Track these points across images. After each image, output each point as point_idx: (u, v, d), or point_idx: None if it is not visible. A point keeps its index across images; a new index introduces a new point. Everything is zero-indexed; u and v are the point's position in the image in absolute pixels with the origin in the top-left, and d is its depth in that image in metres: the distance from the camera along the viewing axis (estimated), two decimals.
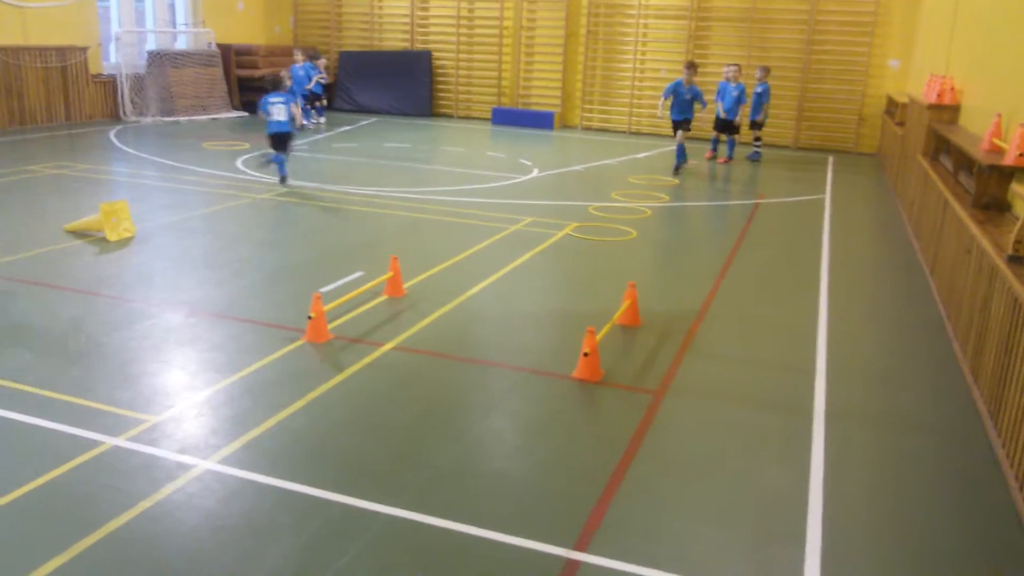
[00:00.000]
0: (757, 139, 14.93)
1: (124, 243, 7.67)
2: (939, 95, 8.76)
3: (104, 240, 7.66)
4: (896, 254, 8.63)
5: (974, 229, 5.52)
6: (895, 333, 6.36)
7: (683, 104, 13.13)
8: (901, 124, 12.16)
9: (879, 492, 3.98)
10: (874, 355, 5.85)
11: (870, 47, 16.18)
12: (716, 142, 14.44)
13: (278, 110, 10.42)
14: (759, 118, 14.68)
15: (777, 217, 10.18)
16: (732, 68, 14.20)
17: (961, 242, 6.07)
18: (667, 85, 13.48)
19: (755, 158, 14.86)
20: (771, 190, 11.95)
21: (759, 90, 14.41)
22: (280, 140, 10.57)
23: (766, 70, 14.64)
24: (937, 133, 8.55)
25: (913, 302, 7.01)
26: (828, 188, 12.37)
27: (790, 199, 11.34)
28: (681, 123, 13.20)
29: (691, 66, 13.01)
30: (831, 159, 15.58)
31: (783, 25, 16.81)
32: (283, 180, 10.73)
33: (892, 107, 14.03)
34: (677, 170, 13.15)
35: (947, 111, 8.70)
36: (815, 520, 3.67)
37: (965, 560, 3.48)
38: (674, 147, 13.47)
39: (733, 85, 14.00)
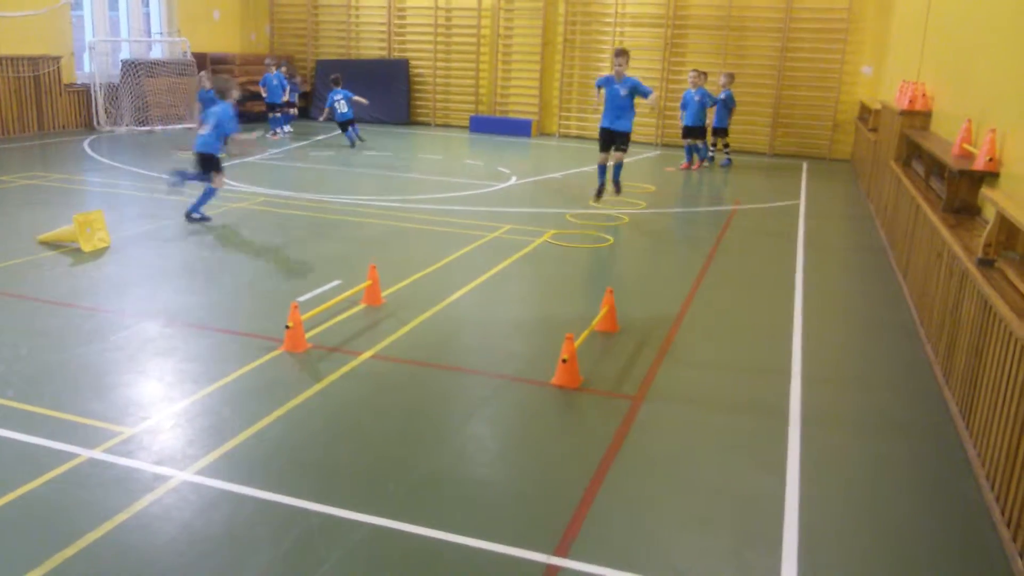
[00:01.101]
0: (726, 145, 15.10)
1: (99, 253, 7.60)
2: (911, 101, 8.88)
3: (78, 251, 7.59)
4: (869, 258, 8.74)
5: (945, 233, 5.61)
6: (869, 336, 6.43)
7: (619, 105, 9.90)
8: (874, 130, 12.32)
9: (854, 493, 4.03)
10: (848, 358, 5.92)
11: (843, 54, 16.40)
12: (690, 151, 14.54)
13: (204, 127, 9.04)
14: (726, 125, 14.83)
15: (753, 223, 10.27)
16: (693, 73, 14.34)
17: (933, 246, 6.16)
18: (597, 80, 10.65)
19: (726, 164, 15.02)
20: (747, 196, 12.06)
21: (722, 96, 14.54)
22: (203, 162, 9.00)
23: (730, 76, 14.79)
24: (909, 139, 8.68)
25: (886, 306, 7.10)
26: (803, 194, 12.50)
27: (765, 205, 11.45)
28: (616, 136, 10.00)
29: (621, 53, 9.79)
30: (805, 165, 15.75)
31: (758, 33, 17.00)
32: (192, 215, 8.94)
33: (865, 113, 14.21)
34: (598, 194, 10.52)
35: (919, 117, 8.82)
36: (791, 523, 3.71)
37: (940, 558, 3.53)
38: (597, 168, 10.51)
39: (694, 91, 14.12)
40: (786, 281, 7.62)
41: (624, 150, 10.09)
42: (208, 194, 9.06)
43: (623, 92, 9.77)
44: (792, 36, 16.68)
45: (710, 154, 14.95)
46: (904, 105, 8.99)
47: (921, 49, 10.07)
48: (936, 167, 7.35)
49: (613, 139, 10.05)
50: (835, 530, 3.70)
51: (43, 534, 3.38)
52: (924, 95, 8.87)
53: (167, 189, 9.42)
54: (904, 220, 7.82)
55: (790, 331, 6.26)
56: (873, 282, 7.90)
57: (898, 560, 3.50)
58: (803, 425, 4.68)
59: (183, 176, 9.13)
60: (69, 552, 3.27)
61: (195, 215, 8.98)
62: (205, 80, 14.24)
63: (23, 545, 3.31)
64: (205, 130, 9.04)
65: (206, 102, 12.87)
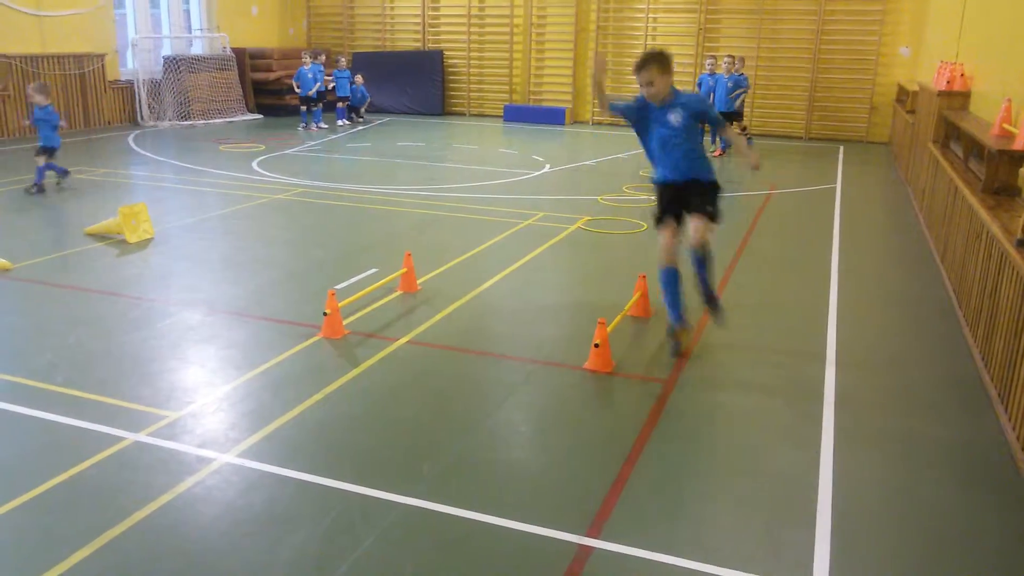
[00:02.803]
0: (743, 128, 15.09)
1: (143, 244, 7.80)
2: (949, 82, 8.74)
3: (124, 242, 7.79)
4: (907, 241, 8.63)
5: (984, 214, 5.54)
6: (905, 318, 6.37)
7: (675, 145, 5.56)
8: (912, 112, 12.12)
9: (889, 476, 4.01)
10: (885, 340, 5.87)
11: (880, 36, 16.13)
12: (714, 133, 14.40)
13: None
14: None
15: (788, 207, 10.19)
16: (729, 59, 14.21)
17: (971, 228, 6.07)
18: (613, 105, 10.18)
19: (750, 144, 15.05)
20: (782, 180, 11.94)
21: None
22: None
23: (741, 60, 14.64)
24: (947, 120, 8.54)
25: (923, 288, 7.02)
26: (839, 177, 12.35)
27: (801, 189, 11.34)
28: (690, 192, 5.54)
29: (646, 64, 5.24)
30: (842, 149, 15.54)
31: (793, 16, 16.78)
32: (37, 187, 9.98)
33: (903, 95, 13.98)
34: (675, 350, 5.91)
35: (957, 98, 8.68)
36: (825, 504, 3.71)
37: (974, 542, 3.51)
38: None
39: (727, 76, 14.00)
40: (822, 264, 7.57)
41: (712, 215, 5.38)
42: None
43: (675, 120, 5.28)
44: (827, 19, 16.44)
45: (748, 138, 14.93)
46: (942, 86, 8.85)
47: (960, 29, 9.89)
48: (975, 148, 7.23)
49: (684, 198, 5.43)
50: (869, 511, 3.69)
51: (93, 513, 3.52)
52: (963, 75, 8.72)
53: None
54: (942, 202, 7.71)
55: (825, 314, 6.23)
56: (910, 264, 7.81)
57: (933, 542, 3.50)
58: (838, 407, 4.67)
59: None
60: (117, 531, 3.40)
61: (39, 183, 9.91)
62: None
63: (74, 524, 3.45)
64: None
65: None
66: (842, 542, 3.44)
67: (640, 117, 5.34)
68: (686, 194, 5.35)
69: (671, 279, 5.35)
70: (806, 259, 7.85)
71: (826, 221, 9.38)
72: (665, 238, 5.39)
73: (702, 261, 5.34)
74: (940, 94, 8.82)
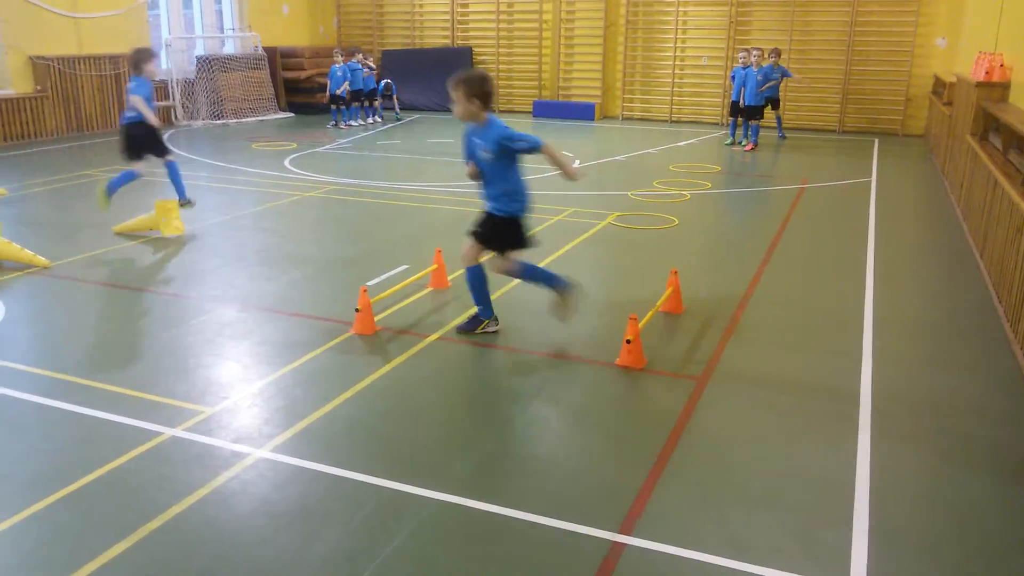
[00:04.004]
0: (779, 117, 15.18)
1: (179, 242, 7.89)
2: (988, 73, 8.57)
3: (159, 240, 7.90)
4: (944, 236, 8.48)
5: None
6: (944, 315, 6.26)
7: (490, 171, 5.48)
8: (949, 104, 11.90)
9: (928, 476, 3.95)
10: (923, 338, 5.77)
11: (916, 26, 15.85)
12: (756, 129, 14.24)
13: None
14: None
15: (822, 201, 10.06)
16: (758, 52, 14.06)
17: (1012, 221, 5.95)
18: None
19: (781, 137, 15.08)
20: (816, 174, 11.79)
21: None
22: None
23: (775, 52, 14.50)
24: (986, 112, 8.38)
25: (962, 284, 6.89)
26: (874, 171, 12.17)
27: (835, 183, 11.19)
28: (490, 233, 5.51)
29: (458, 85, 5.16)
30: (877, 142, 15.31)
31: (825, 7, 16.54)
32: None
33: (939, 87, 13.74)
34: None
35: (996, 89, 8.51)
36: (862, 503, 3.66)
37: (1016, 543, 3.44)
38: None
39: (756, 69, 13.85)
40: (857, 260, 7.46)
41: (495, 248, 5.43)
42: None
43: (486, 155, 5.23)
44: (861, 9, 16.19)
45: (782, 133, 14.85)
46: (981, 77, 8.68)
47: (999, 18, 9.68)
48: (1015, 140, 7.08)
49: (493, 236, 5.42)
50: (908, 511, 3.63)
51: (130, 507, 3.57)
52: (1002, 66, 8.54)
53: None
54: (981, 195, 7.56)
55: (861, 311, 6.14)
56: (948, 259, 7.68)
57: (973, 543, 3.43)
58: (875, 406, 4.60)
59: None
60: (154, 524, 3.44)
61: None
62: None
63: (112, 517, 3.50)
64: None
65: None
66: (881, 542, 3.39)
67: (468, 142, 5.32)
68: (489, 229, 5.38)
69: (474, 277, 5.45)
70: (841, 254, 7.75)
71: (861, 215, 9.25)
72: (465, 248, 5.42)
73: (518, 275, 5.54)
74: (978, 85, 8.65)
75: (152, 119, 8.11)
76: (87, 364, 5.08)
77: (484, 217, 5.40)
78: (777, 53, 14.45)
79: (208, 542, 3.35)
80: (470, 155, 5.34)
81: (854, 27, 16.26)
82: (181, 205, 8.46)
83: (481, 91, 5.07)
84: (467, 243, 5.40)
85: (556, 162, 5.33)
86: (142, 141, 8.31)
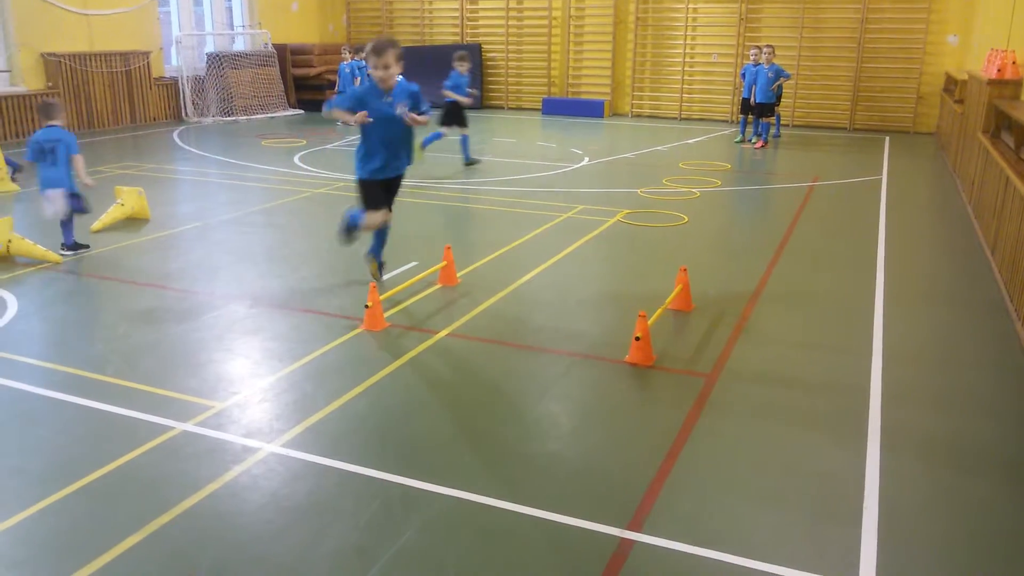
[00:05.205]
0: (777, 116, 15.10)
1: (189, 239, 7.93)
2: (1000, 70, 8.53)
3: (171, 236, 7.93)
4: (955, 234, 8.45)
5: None
6: (955, 314, 6.24)
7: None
8: (960, 102, 11.85)
9: (938, 475, 3.93)
10: (933, 336, 5.76)
11: (927, 23, 15.77)
12: (766, 127, 14.19)
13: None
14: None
15: (832, 199, 10.03)
16: (769, 49, 13.99)
17: None
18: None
19: (777, 136, 15.08)
20: (826, 172, 11.76)
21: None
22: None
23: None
24: (998, 109, 8.34)
25: (973, 282, 6.87)
26: (885, 169, 12.13)
27: (846, 181, 11.15)
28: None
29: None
30: (887, 140, 15.25)
31: (836, 3, 16.47)
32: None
33: (951, 84, 13.68)
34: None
35: (1009, 86, 8.47)
36: (872, 501, 3.66)
37: None
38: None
39: (767, 66, 13.79)
40: (867, 258, 7.44)
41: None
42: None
43: (402, 112, 5.83)
44: (872, 6, 16.12)
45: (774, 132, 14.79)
46: (992, 74, 8.63)
47: (1011, 15, 9.63)
48: None
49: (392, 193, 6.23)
50: (917, 510, 3.62)
51: (142, 501, 3.59)
52: (1014, 63, 8.50)
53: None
54: (992, 193, 7.53)
55: (871, 309, 6.12)
56: (959, 258, 7.65)
57: (983, 543, 3.42)
58: (884, 404, 4.59)
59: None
60: (165, 518, 3.47)
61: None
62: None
63: (123, 511, 3.53)
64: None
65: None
66: (889, 541, 3.39)
67: (362, 106, 5.76)
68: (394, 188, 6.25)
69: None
70: (850, 252, 7.73)
71: (872, 213, 9.22)
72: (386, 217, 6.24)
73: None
74: (990, 83, 8.61)
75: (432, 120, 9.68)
76: (100, 359, 5.11)
77: (399, 178, 6.21)
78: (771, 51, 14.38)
79: (219, 536, 3.37)
80: (371, 112, 5.73)
81: (865, 24, 16.19)
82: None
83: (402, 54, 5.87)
84: (386, 213, 6.18)
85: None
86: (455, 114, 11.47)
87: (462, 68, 11.56)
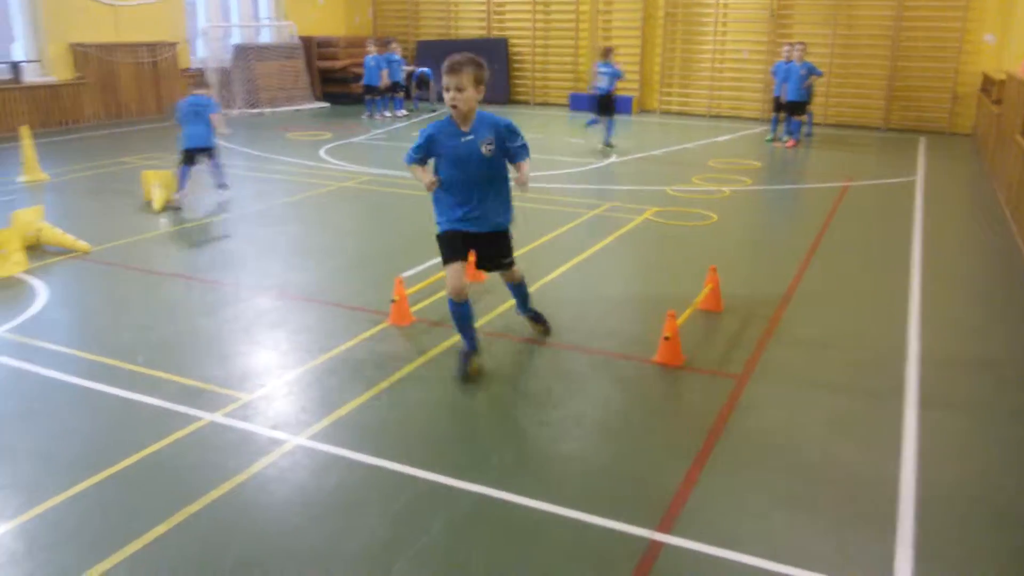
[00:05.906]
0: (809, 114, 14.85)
1: (216, 230, 7.94)
2: None
3: (197, 227, 7.96)
4: (992, 236, 8.28)
5: None
6: (992, 317, 6.11)
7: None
8: (998, 102, 11.63)
9: (978, 482, 3.84)
10: (969, 339, 5.63)
11: (964, 22, 15.49)
12: (798, 125, 14.01)
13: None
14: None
15: (866, 200, 9.88)
16: (802, 46, 13.78)
17: None
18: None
19: (809, 135, 14.80)
20: (859, 173, 11.59)
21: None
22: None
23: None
24: None
25: (1011, 286, 6.72)
26: (920, 170, 11.93)
27: (880, 181, 10.98)
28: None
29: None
30: (923, 140, 15.02)
31: (871, 0, 16.23)
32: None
33: (988, 85, 13.44)
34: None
35: None
36: (907, 505, 3.57)
37: None
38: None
39: (799, 64, 13.58)
40: (901, 259, 7.31)
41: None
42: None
43: (487, 151, 4.86)
44: (908, 3, 15.86)
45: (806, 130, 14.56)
46: None
47: None
48: None
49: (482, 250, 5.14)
50: (955, 520, 3.52)
51: (169, 491, 3.59)
52: None
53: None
54: None
55: (906, 311, 6.01)
56: (996, 261, 7.50)
57: (1020, 547, 3.34)
58: (921, 407, 4.49)
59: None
60: (193, 508, 3.46)
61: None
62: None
63: (151, 500, 3.52)
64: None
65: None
66: (925, 549, 3.31)
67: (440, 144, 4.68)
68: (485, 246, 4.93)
69: (468, 309, 4.81)
70: (885, 254, 7.60)
71: (906, 215, 9.07)
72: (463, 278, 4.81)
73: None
74: None
75: None
76: (129, 348, 5.12)
77: (497, 235, 4.94)
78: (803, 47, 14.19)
79: (246, 527, 3.36)
80: (446, 155, 4.68)
81: (900, 21, 15.95)
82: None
83: (486, 78, 4.61)
84: (461, 271, 4.74)
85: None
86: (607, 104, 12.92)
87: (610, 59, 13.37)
